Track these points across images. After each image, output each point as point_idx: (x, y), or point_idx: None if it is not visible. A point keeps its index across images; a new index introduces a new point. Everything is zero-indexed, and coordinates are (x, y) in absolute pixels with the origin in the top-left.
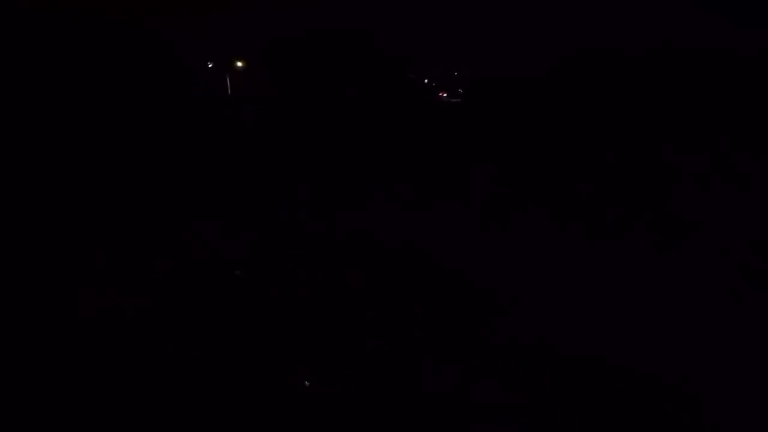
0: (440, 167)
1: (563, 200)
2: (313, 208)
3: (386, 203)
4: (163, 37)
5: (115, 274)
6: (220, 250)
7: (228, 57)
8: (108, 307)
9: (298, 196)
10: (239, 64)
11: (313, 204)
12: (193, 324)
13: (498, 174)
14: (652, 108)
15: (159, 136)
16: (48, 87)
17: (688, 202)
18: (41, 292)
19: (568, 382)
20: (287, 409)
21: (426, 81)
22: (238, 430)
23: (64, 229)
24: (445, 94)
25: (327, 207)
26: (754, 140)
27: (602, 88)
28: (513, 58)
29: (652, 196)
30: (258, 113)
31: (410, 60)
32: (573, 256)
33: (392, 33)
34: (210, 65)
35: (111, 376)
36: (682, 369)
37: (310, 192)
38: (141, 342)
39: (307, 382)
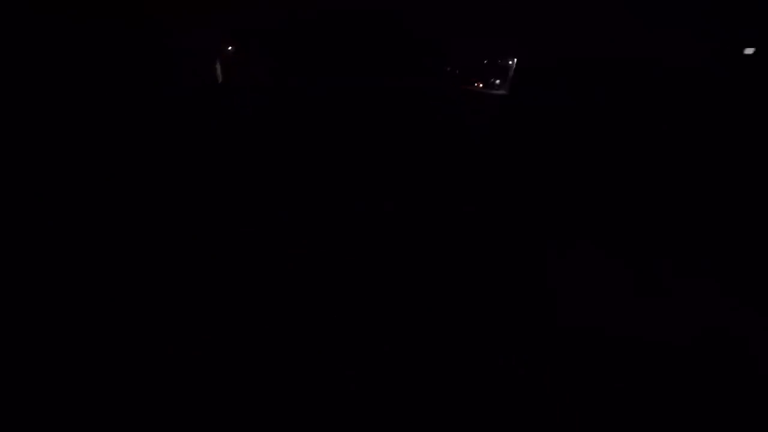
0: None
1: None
2: (314, 208)
3: (392, 204)
4: (142, 15)
5: (113, 274)
6: (219, 250)
7: (220, 38)
8: (107, 307)
9: (300, 194)
10: (234, 47)
11: (314, 203)
12: (192, 324)
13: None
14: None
15: (140, 131)
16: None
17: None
18: (41, 292)
19: (568, 382)
20: (287, 409)
21: (448, 69)
22: (238, 430)
23: (64, 229)
24: (480, 84)
25: (328, 207)
26: None
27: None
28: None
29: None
30: (258, 104)
31: (432, 44)
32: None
33: (405, 14)
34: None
35: (110, 377)
36: (686, 374)
37: (314, 190)
38: (140, 342)
39: (306, 382)
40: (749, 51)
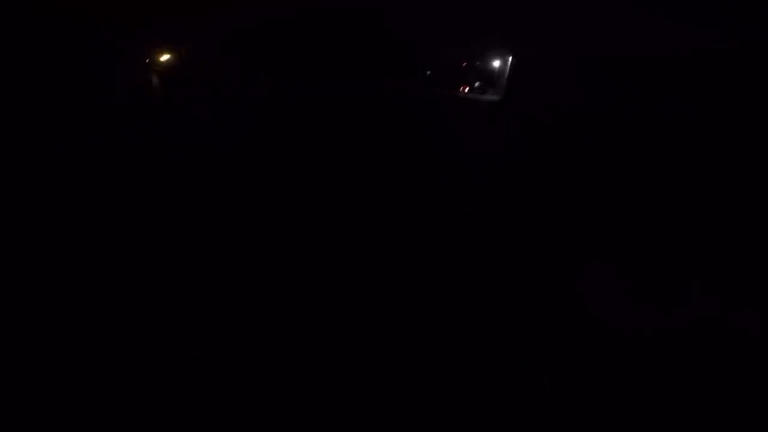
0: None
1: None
2: (314, 208)
3: (392, 204)
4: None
5: (113, 274)
6: (219, 250)
7: (151, 41)
8: (106, 308)
9: (300, 194)
10: (170, 55)
11: (314, 203)
12: (192, 324)
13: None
14: None
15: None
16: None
17: None
18: (41, 293)
19: (568, 382)
20: (287, 409)
21: (428, 73)
22: (238, 430)
23: (64, 229)
24: (467, 89)
25: (328, 207)
26: None
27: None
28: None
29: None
30: (252, 105)
31: (410, 45)
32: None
33: (372, 14)
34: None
35: (110, 377)
36: (687, 374)
37: (314, 190)
38: (139, 342)
39: (306, 382)
40: None
